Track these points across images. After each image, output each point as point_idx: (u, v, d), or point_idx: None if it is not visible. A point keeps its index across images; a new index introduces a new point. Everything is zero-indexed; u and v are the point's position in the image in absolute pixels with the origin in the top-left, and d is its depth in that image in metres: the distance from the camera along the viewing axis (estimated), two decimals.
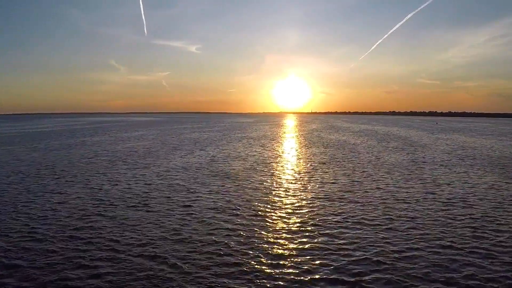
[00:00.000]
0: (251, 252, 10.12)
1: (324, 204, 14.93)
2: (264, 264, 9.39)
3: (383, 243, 10.80)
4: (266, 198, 15.95)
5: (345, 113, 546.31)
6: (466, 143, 45.88)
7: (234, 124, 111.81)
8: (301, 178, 20.62)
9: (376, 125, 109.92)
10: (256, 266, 9.27)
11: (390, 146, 40.34)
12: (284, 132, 69.98)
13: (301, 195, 16.61)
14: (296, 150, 36.75)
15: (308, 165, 25.90)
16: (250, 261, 9.56)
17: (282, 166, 25.32)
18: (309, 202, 15.31)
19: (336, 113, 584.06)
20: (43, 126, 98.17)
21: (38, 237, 11.28)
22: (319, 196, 16.27)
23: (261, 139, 50.48)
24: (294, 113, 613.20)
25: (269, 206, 14.70)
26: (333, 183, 19.32)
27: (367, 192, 17.24)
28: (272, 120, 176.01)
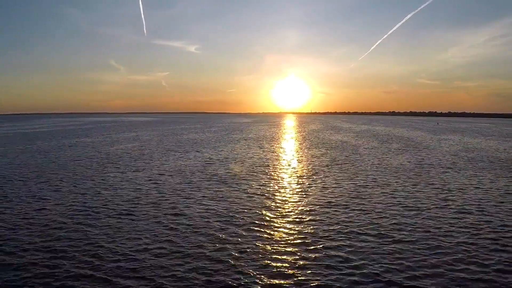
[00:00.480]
0: (246, 268, 8.89)
1: (326, 212, 13.71)
2: (260, 284, 8.17)
3: (394, 257, 9.58)
4: (264, 205, 14.72)
5: (344, 113, 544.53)
6: (470, 144, 44.68)
7: (233, 125, 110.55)
8: (301, 183, 19.40)
9: (377, 125, 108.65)
10: (252, 286, 8.05)
11: (393, 148, 39.14)
12: (284, 133, 68.77)
13: (301, 202, 15.39)
14: (296, 152, 35.54)
15: (309, 168, 24.68)
16: (245, 279, 8.34)
17: (281, 170, 24.10)
18: (310, 210, 14.09)
19: (335, 113, 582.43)
20: (41, 126, 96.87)
21: (7, 250, 10.07)
22: (321, 203, 15.04)
23: (260, 140, 49.26)
24: (293, 113, 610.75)
25: (267, 214, 13.48)
26: (335, 188, 18.10)
27: (373, 198, 16.01)
28: (271, 120, 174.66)
